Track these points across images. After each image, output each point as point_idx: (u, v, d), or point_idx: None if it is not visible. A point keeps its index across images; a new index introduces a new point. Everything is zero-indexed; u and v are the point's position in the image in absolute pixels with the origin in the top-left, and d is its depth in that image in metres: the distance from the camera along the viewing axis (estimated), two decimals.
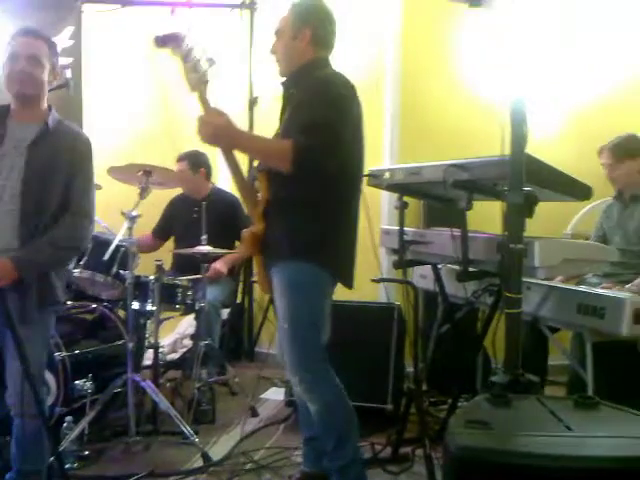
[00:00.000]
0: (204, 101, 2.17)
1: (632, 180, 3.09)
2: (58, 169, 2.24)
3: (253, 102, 4.27)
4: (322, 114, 2.10)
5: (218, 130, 2.12)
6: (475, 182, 2.23)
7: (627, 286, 2.82)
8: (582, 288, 2.58)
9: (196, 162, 3.90)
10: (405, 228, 2.71)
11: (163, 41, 2.17)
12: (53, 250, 2.21)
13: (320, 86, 2.19)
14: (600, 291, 2.49)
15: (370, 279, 3.00)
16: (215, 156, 4.38)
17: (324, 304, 2.23)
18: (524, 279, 2.43)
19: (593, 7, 4.02)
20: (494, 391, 1.74)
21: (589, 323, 2.38)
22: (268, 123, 4.07)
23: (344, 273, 2.28)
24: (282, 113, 2.34)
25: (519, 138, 1.82)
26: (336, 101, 2.14)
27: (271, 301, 4.10)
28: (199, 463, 2.72)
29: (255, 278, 4.21)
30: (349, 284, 2.30)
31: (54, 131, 2.27)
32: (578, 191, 2.32)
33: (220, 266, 3.65)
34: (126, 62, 4.40)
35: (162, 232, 4.04)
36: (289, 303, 2.19)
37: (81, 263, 3.04)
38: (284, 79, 2.35)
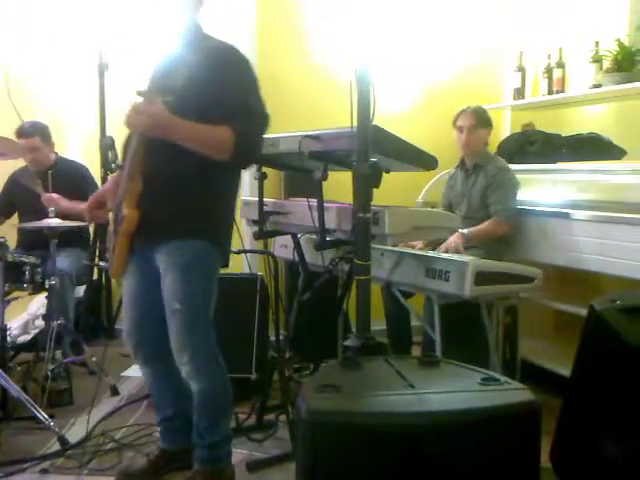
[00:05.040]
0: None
1: (479, 148, 3.30)
2: None
3: (104, 68, 4.04)
4: (255, 97, 2.05)
5: (157, 119, 1.92)
6: (330, 153, 2.27)
7: (440, 247, 3.02)
8: (430, 253, 2.73)
9: (46, 135, 3.68)
10: (265, 199, 2.71)
11: None
12: None
13: (241, 64, 2.08)
14: (445, 256, 2.65)
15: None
16: (62, 127, 4.15)
17: (216, 283, 2.19)
18: (378, 246, 2.54)
19: None
20: (345, 355, 1.81)
21: (436, 286, 2.53)
22: (119, 90, 3.89)
23: (228, 251, 2.25)
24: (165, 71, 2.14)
25: (365, 110, 1.87)
26: (257, 81, 2.09)
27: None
28: (56, 447, 2.61)
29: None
30: (227, 263, 2.26)
31: None
32: (424, 161, 2.42)
33: (58, 197, 3.35)
34: None
35: (4, 208, 3.77)
36: (185, 282, 2.09)
37: None
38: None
